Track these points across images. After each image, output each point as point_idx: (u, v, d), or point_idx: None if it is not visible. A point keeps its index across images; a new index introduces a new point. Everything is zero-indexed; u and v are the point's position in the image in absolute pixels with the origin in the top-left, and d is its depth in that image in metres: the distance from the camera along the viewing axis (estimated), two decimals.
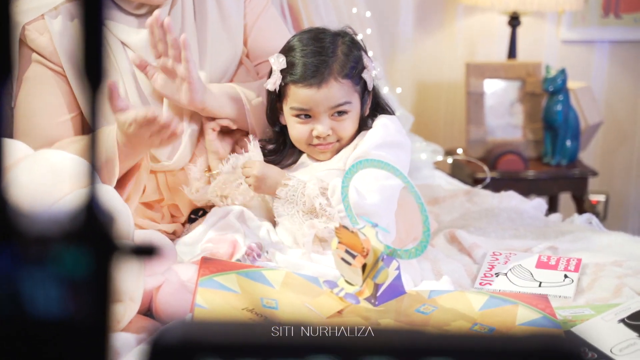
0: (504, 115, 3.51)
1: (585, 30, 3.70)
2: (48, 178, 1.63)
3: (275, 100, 2.01)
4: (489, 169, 3.36)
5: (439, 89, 3.72)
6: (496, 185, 3.15)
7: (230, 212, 1.99)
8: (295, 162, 2.05)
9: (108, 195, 1.66)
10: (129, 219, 1.67)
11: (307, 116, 1.97)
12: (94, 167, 0.71)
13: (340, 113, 1.95)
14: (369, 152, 1.91)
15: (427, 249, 2.08)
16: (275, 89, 1.99)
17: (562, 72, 3.34)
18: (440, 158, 3.02)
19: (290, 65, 1.96)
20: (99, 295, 0.68)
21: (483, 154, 3.46)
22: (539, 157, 3.51)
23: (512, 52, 3.52)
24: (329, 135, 1.96)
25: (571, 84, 3.46)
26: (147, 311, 1.77)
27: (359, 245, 1.67)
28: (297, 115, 1.97)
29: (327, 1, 2.72)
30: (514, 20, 3.48)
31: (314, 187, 1.89)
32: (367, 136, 1.96)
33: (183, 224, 2.11)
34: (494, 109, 3.50)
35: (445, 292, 1.80)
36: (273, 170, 1.97)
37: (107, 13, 1.83)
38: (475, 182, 3.28)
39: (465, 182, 3.07)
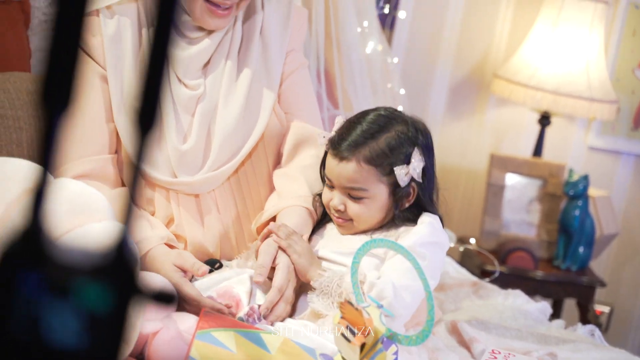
0: (521, 212, 3.50)
1: (613, 140, 3.71)
2: (64, 208, 1.63)
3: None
4: (498, 262, 3.34)
5: (459, 175, 3.72)
6: (503, 280, 3.13)
7: (247, 271, 1.97)
8: (325, 225, 2.06)
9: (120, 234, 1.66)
10: (137, 260, 1.66)
11: (331, 185, 1.97)
12: (132, 206, 0.71)
13: (354, 196, 1.94)
14: (414, 248, 1.88)
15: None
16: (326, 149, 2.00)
17: (585, 178, 3.34)
18: (451, 245, 3.01)
19: (337, 130, 1.98)
20: (114, 333, 0.67)
21: (495, 246, 3.44)
22: (550, 258, 3.49)
23: (538, 150, 3.52)
24: (340, 210, 1.95)
25: (592, 191, 3.46)
26: (139, 355, 1.75)
27: (361, 324, 1.65)
28: (326, 180, 1.99)
29: (363, 72, 2.73)
30: (544, 119, 3.49)
31: (350, 282, 1.84)
32: (414, 232, 1.92)
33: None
34: (512, 203, 3.49)
35: None
36: (311, 252, 1.96)
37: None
38: (482, 273, 3.27)
39: (472, 272, 3.05)
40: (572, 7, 3.31)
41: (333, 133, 1.99)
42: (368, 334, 1.65)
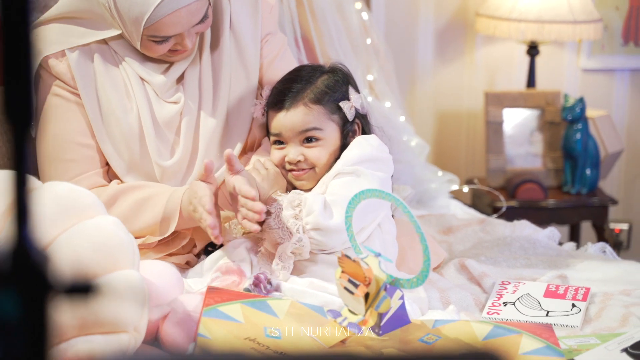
0: (524, 144, 3.51)
1: (605, 58, 3.70)
2: (53, 210, 1.66)
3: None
4: (509, 197, 3.35)
5: (459, 118, 3.73)
6: (516, 214, 3.14)
7: (242, 243, 2.01)
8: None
9: (113, 226, 1.69)
10: (134, 249, 1.70)
11: (281, 142, 2.00)
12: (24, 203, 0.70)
13: (310, 139, 1.98)
14: (342, 169, 1.94)
15: (430, 278, 2.09)
16: (264, 120, 2.06)
17: (581, 100, 3.34)
18: (455, 187, 3.03)
19: (271, 92, 2.04)
20: (33, 337, 0.67)
21: (503, 182, 3.46)
22: (559, 185, 3.50)
23: (531, 81, 3.52)
24: (299, 161, 1.98)
25: (591, 113, 3.45)
26: (153, 341, 1.79)
27: (362, 275, 1.68)
28: (275, 142, 2.02)
29: (341, 32, 2.74)
30: (533, 50, 3.49)
31: (284, 200, 1.90)
32: (342, 156, 1.98)
33: (198, 255, 2.13)
34: (514, 138, 3.50)
35: (449, 321, 1.80)
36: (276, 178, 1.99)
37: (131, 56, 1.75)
38: (494, 211, 3.28)
39: (485, 212, 3.07)
40: None
41: (266, 100, 2.04)
42: (369, 283, 1.68)
